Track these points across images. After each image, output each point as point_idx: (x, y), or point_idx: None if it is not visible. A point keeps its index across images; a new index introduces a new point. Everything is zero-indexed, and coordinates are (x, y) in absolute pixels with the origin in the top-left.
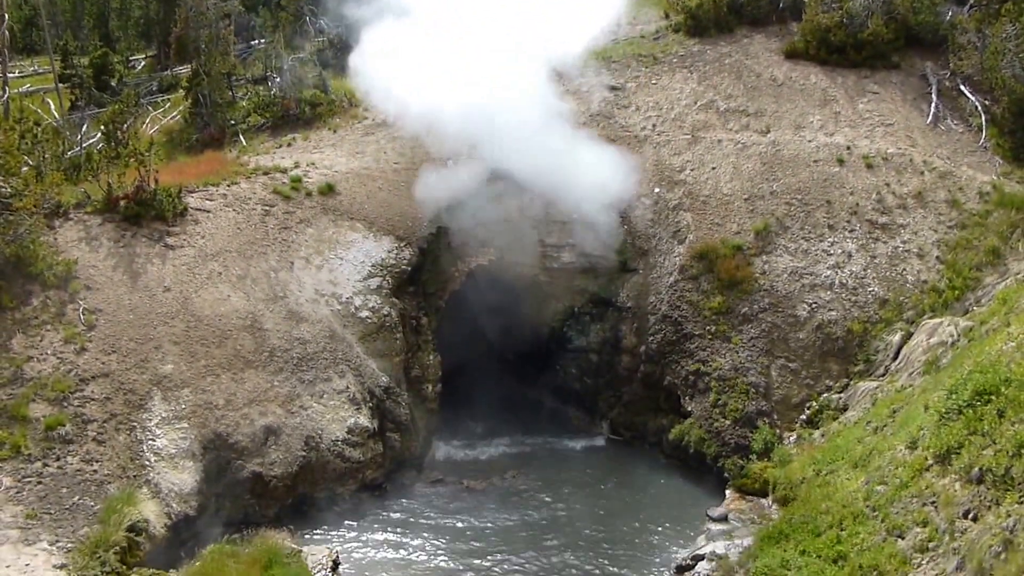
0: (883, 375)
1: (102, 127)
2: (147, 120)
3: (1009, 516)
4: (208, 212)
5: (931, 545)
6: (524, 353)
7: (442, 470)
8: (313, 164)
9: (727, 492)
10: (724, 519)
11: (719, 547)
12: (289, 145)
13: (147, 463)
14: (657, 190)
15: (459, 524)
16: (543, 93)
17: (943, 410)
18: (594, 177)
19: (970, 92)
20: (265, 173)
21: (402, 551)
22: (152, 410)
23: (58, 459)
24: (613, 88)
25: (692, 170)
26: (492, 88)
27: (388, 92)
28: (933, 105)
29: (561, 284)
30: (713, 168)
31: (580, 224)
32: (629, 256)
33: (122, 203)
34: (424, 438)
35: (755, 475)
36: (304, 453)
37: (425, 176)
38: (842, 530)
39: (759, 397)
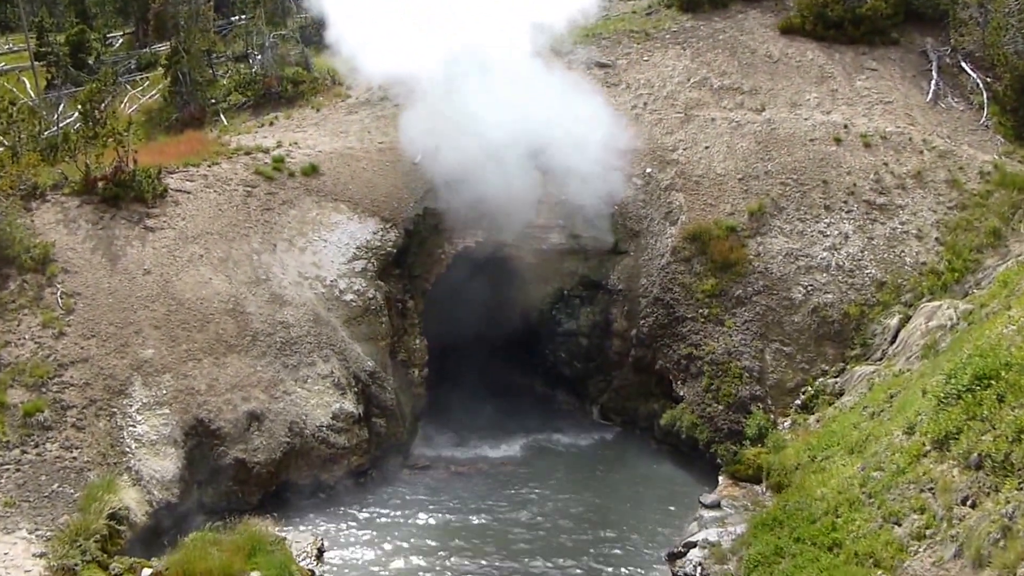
0: (880, 359)
1: (79, 106)
2: (125, 99)
3: (1008, 503)
4: (188, 193)
5: (928, 532)
6: (513, 337)
7: (429, 456)
8: (296, 144)
9: (720, 478)
10: (717, 506)
11: (711, 534)
12: (271, 124)
13: (127, 450)
14: (649, 170)
15: (446, 511)
16: (528, 73)
17: (941, 395)
18: (584, 157)
19: (971, 69)
20: (247, 153)
21: (388, 539)
22: (132, 396)
23: (37, 446)
24: (602, 65)
25: (685, 149)
26: (473, 66)
27: (366, 65)
28: (933, 82)
29: (550, 266)
30: (706, 147)
31: (569, 204)
32: (620, 237)
33: (100, 184)
34: (410, 423)
35: (749, 461)
36: (288, 439)
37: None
38: (837, 517)
39: (753, 382)
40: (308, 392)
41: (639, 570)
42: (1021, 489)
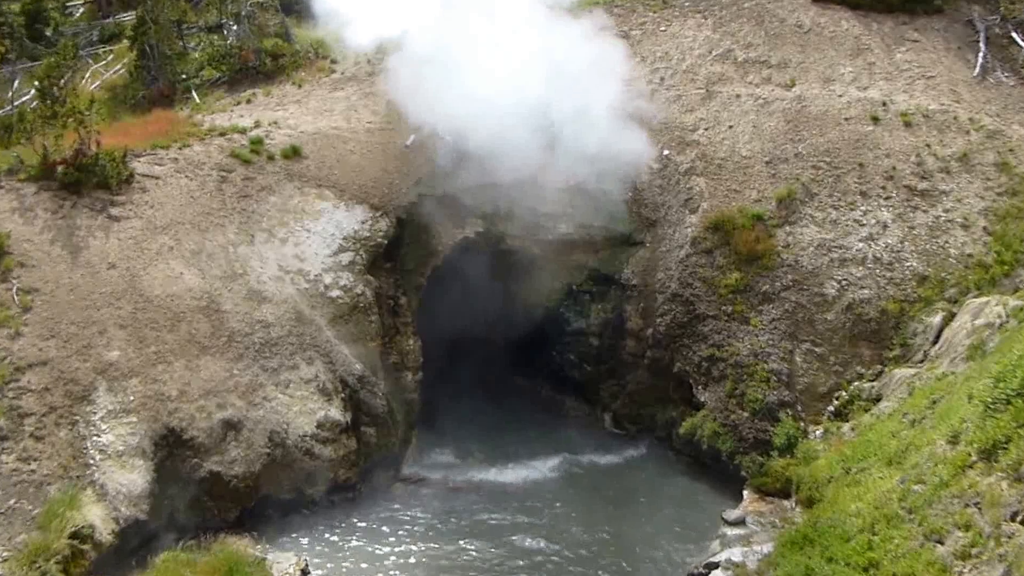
0: (921, 361)
1: (36, 83)
2: (87, 75)
3: None
4: (157, 179)
5: (974, 551)
6: (516, 337)
7: (424, 469)
8: (275, 124)
9: (744, 493)
10: (741, 523)
11: (735, 554)
12: (248, 102)
13: (92, 462)
14: (666, 152)
15: (442, 532)
16: (536, 45)
17: (989, 400)
18: (594, 138)
19: (1023, 40)
20: (221, 134)
21: (377, 561)
22: (97, 402)
23: None
24: (615, 36)
25: (706, 129)
26: (473, 37)
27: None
28: (981, 55)
29: (557, 259)
30: (730, 127)
31: (578, 191)
32: (634, 227)
33: (60, 169)
34: (404, 433)
35: (776, 473)
36: (268, 450)
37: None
38: (874, 535)
39: (781, 386)
40: (290, 398)
41: None
42: None
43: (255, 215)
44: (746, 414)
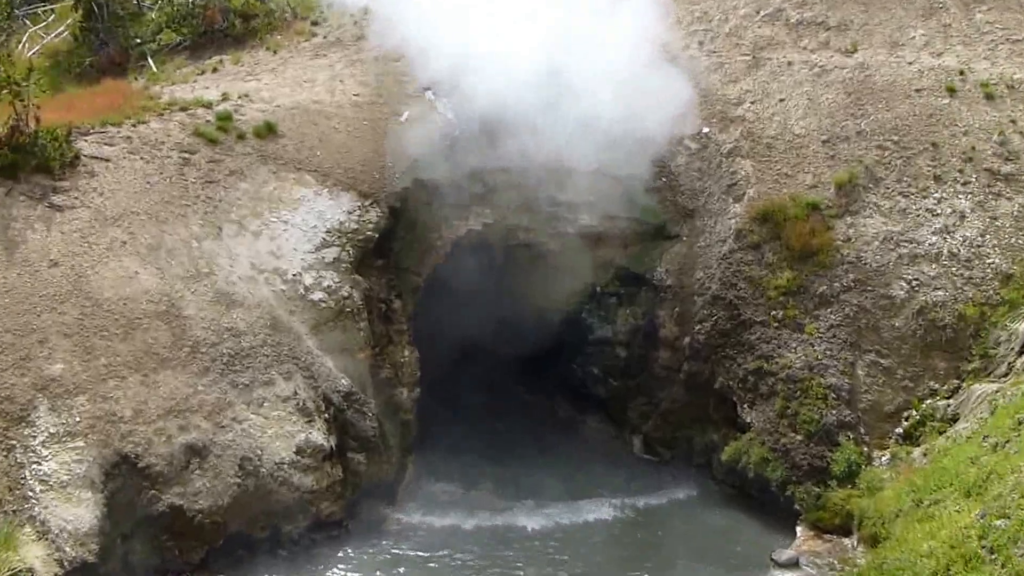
0: (1006, 375)
1: None
2: (24, 39)
3: None
4: (107, 161)
5: None
6: (530, 347)
7: (420, 502)
8: (247, 96)
9: (798, 529)
10: (794, 564)
11: None
12: (214, 71)
13: (31, 494)
14: (706, 130)
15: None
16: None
17: None
18: (621, 111)
19: None
20: (183, 109)
21: None
22: (37, 424)
23: None
24: None
25: (753, 103)
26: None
27: None
28: None
29: (578, 255)
30: (781, 100)
31: (603, 175)
32: (669, 218)
33: None
34: (398, 459)
35: (835, 507)
36: (239, 480)
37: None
38: None
39: (841, 404)
40: (264, 419)
41: None
42: None
43: (223, 204)
44: (799, 437)
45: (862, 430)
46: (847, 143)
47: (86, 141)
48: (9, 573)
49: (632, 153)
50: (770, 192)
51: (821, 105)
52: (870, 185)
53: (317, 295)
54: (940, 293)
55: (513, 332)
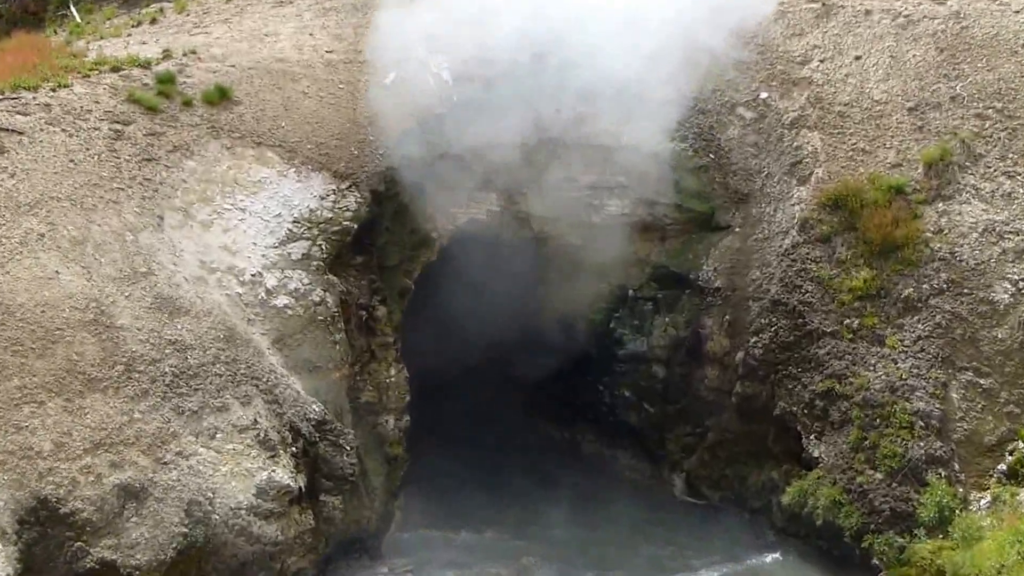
0: None
1: None
2: None
3: None
4: (20, 135)
5: None
6: (546, 365)
7: (410, 557)
8: (194, 53)
9: None
10: None
11: None
12: (153, 22)
13: None
14: (764, 95)
15: None
16: None
17: None
18: (659, 73)
19: None
20: (114, 69)
21: None
22: None
23: None
24: None
25: (822, 61)
26: None
27: None
28: None
29: (606, 251)
30: (857, 58)
31: (636, 152)
32: (717, 204)
33: None
34: (383, 504)
35: (923, 561)
36: (186, 529)
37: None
38: None
39: (930, 434)
40: (217, 454)
41: None
42: None
43: (165, 187)
44: (879, 475)
45: (956, 466)
46: (938, 111)
47: None
48: None
49: (672, 124)
50: (843, 172)
51: (906, 64)
52: (967, 163)
53: (282, 300)
54: None
55: (525, 347)
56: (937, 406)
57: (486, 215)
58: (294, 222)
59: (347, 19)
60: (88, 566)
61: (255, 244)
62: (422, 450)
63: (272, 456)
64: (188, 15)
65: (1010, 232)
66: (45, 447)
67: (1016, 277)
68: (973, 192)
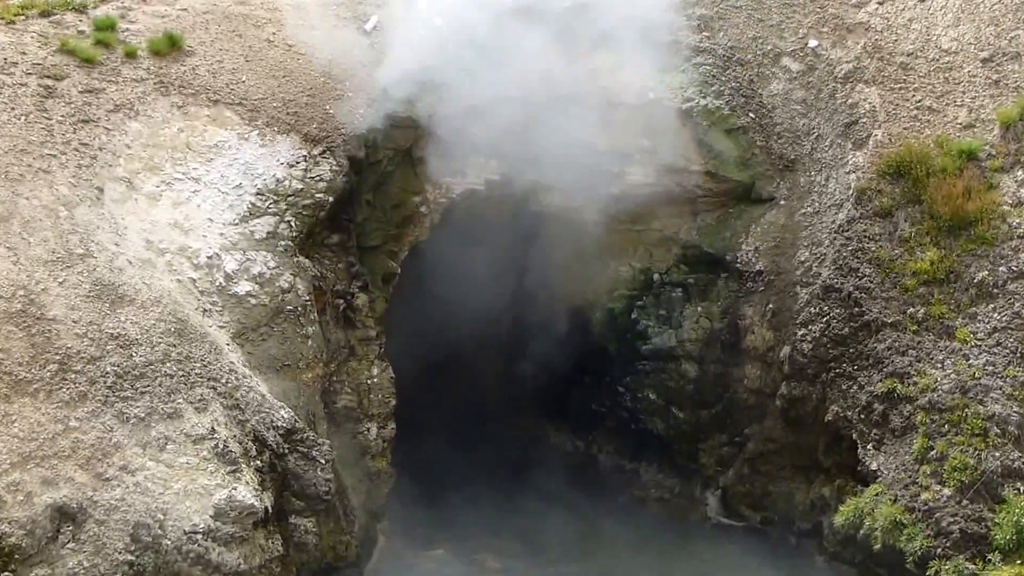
0: None
1: None
2: None
3: None
4: None
5: None
6: (554, 363)
7: None
8: None
9: None
10: None
11: None
12: None
13: None
14: (812, 43)
15: None
16: None
17: None
18: (688, 14)
19: None
20: (44, 14)
21: None
22: None
23: None
24: None
25: (881, 3)
26: None
27: None
28: None
29: (626, 228)
30: (921, 0)
31: (661, 109)
32: (758, 172)
33: None
34: (363, 526)
35: None
36: (132, 557)
37: None
38: None
39: (1008, 442)
40: (168, 468)
41: None
42: None
43: (104, 154)
44: (948, 491)
45: None
46: (1018, 63)
47: None
48: None
49: (703, 76)
50: (906, 134)
51: (980, 8)
52: None
53: (243, 287)
54: None
55: (532, 341)
56: (1015, 410)
57: (485, 186)
58: (257, 194)
59: None
60: None
61: (211, 221)
62: (410, 464)
63: (233, 471)
64: None
65: None
66: None
67: None
68: None
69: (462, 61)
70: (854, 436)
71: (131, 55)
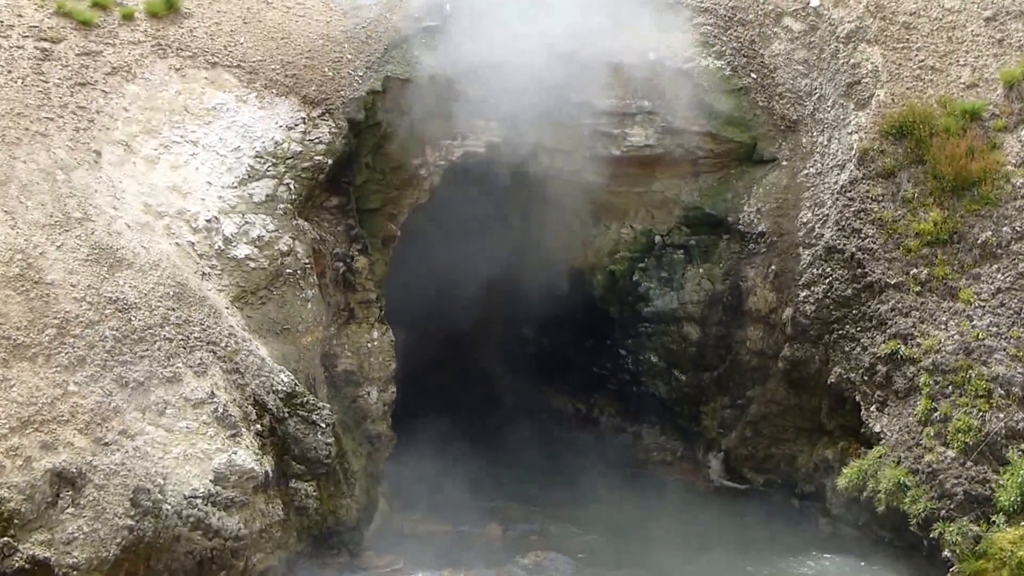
0: None
1: None
2: None
3: None
4: None
5: None
6: (554, 325)
7: (397, 551)
8: None
9: None
10: None
11: None
12: None
13: None
14: (814, 3)
15: None
16: None
17: None
18: None
19: None
20: None
21: None
22: None
23: None
24: None
25: None
26: None
27: None
28: None
29: (628, 190)
30: None
31: (663, 70)
32: (760, 133)
33: None
34: (364, 491)
35: (1002, 552)
36: (131, 521)
37: None
38: None
39: (1012, 404)
40: (168, 433)
41: None
42: None
43: (102, 117)
44: (951, 453)
45: None
46: (1022, 22)
47: None
48: None
49: (705, 36)
50: (909, 94)
51: None
52: None
53: (242, 250)
54: None
55: (532, 304)
56: (1020, 371)
57: (485, 147)
58: (256, 157)
59: None
60: (16, 565)
61: (210, 184)
62: (410, 427)
63: (233, 435)
64: None
65: None
66: None
67: None
68: None
69: (461, 22)
70: (857, 398)
71: (128, 17)
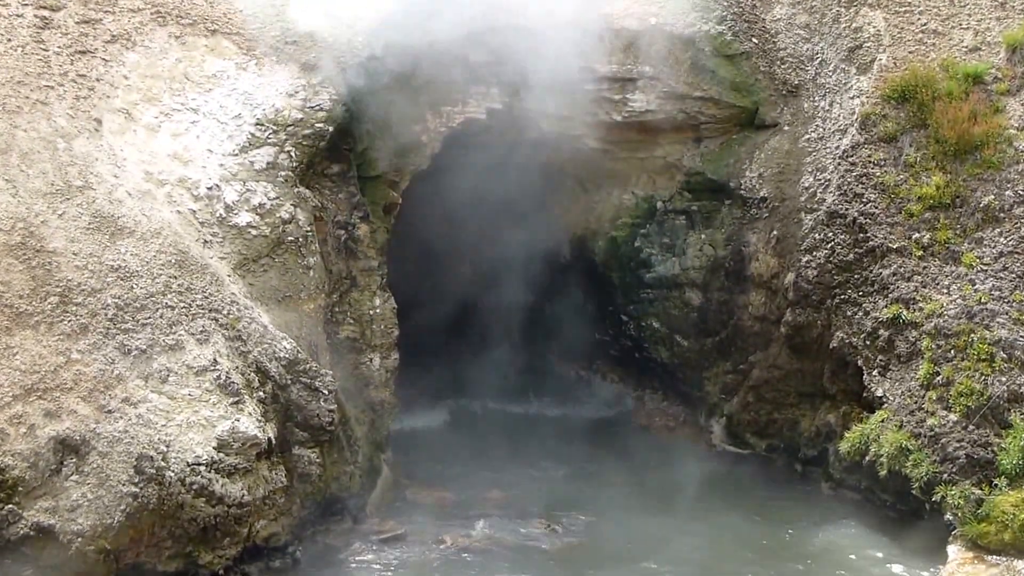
0: None
1: None
2: None
3: None
4: None
5: None
6: (558, 291)
7: (399, 518)
8: None
9: (950, 549)
10: None
11: None
12: None
13: None
14: None
15: None
16: None
17: None
18: None
19: None
20: None
21: None
22: None
23: None
24: None
25: None
26: None
27: None
28: None
29: (629, 155)
30: None
31: (663, 35)
32: (762, 98)
33: None
34: (367, 457)
35: (1004, 516)
36: (135, 488)
37: None
38: None
39: (1014, 367)
40: (171, 400)
41: None
42: None
43: (102, 85)
44: (954, 417)
45: None
46: None
47: None
48: None
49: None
50: (911, 58)
51: None
52: None
53: (244, 217)
54: None
55: (534, 270)
56: (1022, 334)
57: (486, 114)
58: (256, 124)
59: None
60: (21, 532)
61: (211, 151)
62: (412, 394)
63: (235, 402)
64: None
65: None
66: None
67: None
68: None
69: None
70: (859, 362)
71: None
